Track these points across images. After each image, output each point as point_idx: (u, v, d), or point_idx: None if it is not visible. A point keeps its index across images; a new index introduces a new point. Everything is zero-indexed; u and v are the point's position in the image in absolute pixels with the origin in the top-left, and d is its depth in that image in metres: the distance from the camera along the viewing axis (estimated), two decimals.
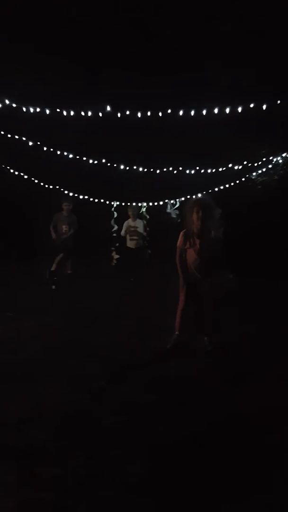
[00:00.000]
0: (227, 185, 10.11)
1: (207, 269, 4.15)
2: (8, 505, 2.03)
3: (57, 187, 9.29)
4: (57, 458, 2.40)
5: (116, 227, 9.19)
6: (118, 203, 9.74)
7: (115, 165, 8.62)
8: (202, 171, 9.26)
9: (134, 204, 8.82)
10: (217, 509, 2.03)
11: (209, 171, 9.31)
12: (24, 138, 7.32)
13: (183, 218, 4.12)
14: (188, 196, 10.22)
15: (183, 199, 10.61)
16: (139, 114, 6.05)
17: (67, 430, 2.69)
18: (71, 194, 9.22)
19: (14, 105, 5.48)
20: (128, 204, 8.72)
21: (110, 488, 2.16)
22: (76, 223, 7.76)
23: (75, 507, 2.03)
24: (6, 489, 2.15)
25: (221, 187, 10.03)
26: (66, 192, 9.19)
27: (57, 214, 7.74)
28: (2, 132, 7.24)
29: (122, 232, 8.40)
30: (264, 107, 5.66)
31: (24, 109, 5.62)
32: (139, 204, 9.95)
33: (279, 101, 5.59)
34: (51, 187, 9.35)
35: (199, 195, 9.76)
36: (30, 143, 7.37)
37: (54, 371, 3.63)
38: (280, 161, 10.32)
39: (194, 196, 9.14)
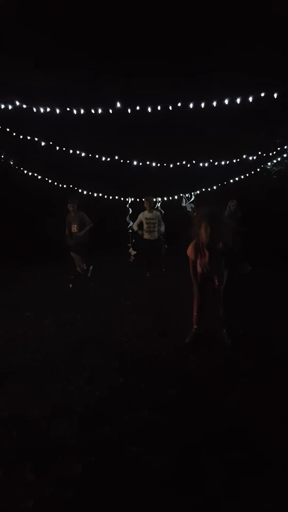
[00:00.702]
0: (242, 176, 9.99)
1: (221, 264, 4.14)
2: (30, 503, 2.07)
3: (71, 186, 9.35)
4: (79, 455, 2.42)
5: (131, 223, 9.17)
6: (132, 199, 9.74)
7: (128, 161, 8.62)
8: (216, 163, 9.17)
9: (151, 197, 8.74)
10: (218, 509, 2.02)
11: (223, 163, 9.21)
12: (36, 139, 7.38)
13: (192, 226, 4.07)
14: (203, 189, 10.17)
15: (198, 192, 10.55)
16: (149, 109, 6.01)
17: (89, 428, 2.71)
18: (85, 192, 9.27)
19: (24, 106, 5.51)
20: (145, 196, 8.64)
21: (133, 486, 2.17)
22: (86, 218, 7.70)
23: (97, 504, 2.05)
24: (29, 487, 2.18)
25: (236, 179, 9.92)
26: (79, 190, 9.24)
27: (68, 215, 7.77)
28: (14, 134, 7.32)
29: (134, 225, 8.25)
30: (276, 95, 5.54)
31: (35, 109, 5.66)
32: (154, 199, 9.91)
33: None
34: (65, 186, 9.42)
35: (214, 188, 9.71)
36: (43, 143, 7.42)
37: (74, 369, 3.67)
38: None
39: (206, 191, 9.10)
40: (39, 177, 9.16)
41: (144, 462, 2.34)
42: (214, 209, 4.03)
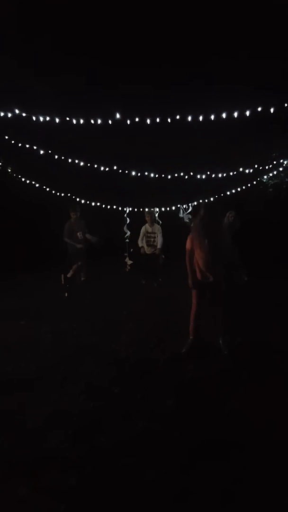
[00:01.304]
0: (238, 189, 10.08)
1: (219, 270, 4.14)
2: None
3: (69, 194, 9.37)
4: (74, 466, 2.39)
5: (128, 233, 9.19)
6: (130, 209, 9.77)
7: (126, 171, 8.66)
8: (213, 175, 9.24)
9: (151, 209, 8.82)
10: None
11: (220, 175, 9.29)
12: (35, 147, 7.41)
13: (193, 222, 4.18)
14: (200, 201, 10.24)
15: (195, 203, 10.61)
16: (148, 121, 6.06)
17: (84, 438, 2.68)
18: (83, 201, 9.29)
19: (24, 114, 5.55)
20: (146, 209, 8.73)
21: (129, 497, 2.14)
22: (85, 228, 7.84)
23: None
24: (22, 500, 2.14)
25: (233, 191, 10.00)
26: (77, 199, 9.26)
27: (68, 223, 7.80)
28: (13, 141, 7.35)
29: (139, 241, 8.36)
30: (272, 110, 5.62)
31: (34, 118, 5.69)
32: (152, 210, 9.96)
33: (286, 104, 5.54)
34: (62, 194, 9.43)
35: (211, 199, 9.79)
36: (41, 152, 7.45)
37: (69, 379, 3.63)
38: None
39: (203, 202, 9.15)
40: (37, 185, 9.17)
41: (140, 473, 2.31)
42: (213, 204, 4.19)
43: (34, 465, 2.41)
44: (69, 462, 2.44)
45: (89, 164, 8.03)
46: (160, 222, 9.53)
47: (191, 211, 10.60)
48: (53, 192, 9.42)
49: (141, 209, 8.72)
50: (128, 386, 3.46)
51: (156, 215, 9.44)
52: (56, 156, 7.90)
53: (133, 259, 9.01)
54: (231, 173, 9.37)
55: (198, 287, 4.19)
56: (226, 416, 2.90)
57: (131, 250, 9.07)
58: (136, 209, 9.45)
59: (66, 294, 7.35)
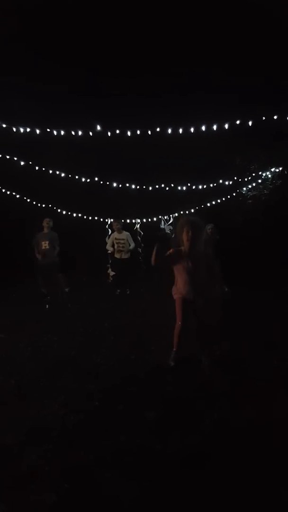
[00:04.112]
0: (218, 200, 10.24)
1: (202, 287, 4.12)
2: None
3: (50, 205, 9.33)
4: (54, 483, 2.33)
5: None
6: (112, 220, 9.79)
7: (108, 183, 8.71)
8: (194, 187, 9.38)
9: (122, 220, 8.89)
10: None
11: (200, 187, 9.43)
12: (15, 158, 7.38)
13: (175, 235, 4.14)
14: (181, 212, 10.36)
15: (176, 214, 10.72)
16: (129, 133, 6.13)
17: (64, 453, 2.62)
18: (64, 212, 9.26)
19: (4, 125, 5.53)
20: (113, 219, 8.84)
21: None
22: (57, 239, 7.73)
23: None
24: None
25: (213, 202, 10.15)
26: (59, 210, 9.23)
27: (39, 233, 7.74)
28: None
29: (108, 246, 8.47)
30: (250, 123, 5.78)
31: (15, 129, 5.68)
32: (133, 221, 10.03)
33: (264, 117, 5.70)
34: (43, 206, 9.39)
35: (192, 210, 9.90)
36: (22, 163, 7.42)
37: (49, 393, 3.56)
38: (270, 176, 10.50)
39: (184, 213, 9.28)
40: (17, 196, 9.10)
41: (120, 487, 2.27)
42: (194, 217, 4.16)
43: (13, 481, 2.34)
44: (49, 477, 2.38)
45: (70, 176, 8.03)
46: (142, 233, 9.61)
47: (172, 222, 10.69)
48: (34, 203, 9.37)
49: (122, 220, 8.76)
50: (108, 399, 3.41)
51: (138, 226, 9.52)
52: (37, 168, 7.89)
53: (115, 270, 9.01)
54: (211, 185, 9.53)
55: (181, 298, 4.15)
56: (207, 427, 2.89)
57: (111, 261, 9.06)
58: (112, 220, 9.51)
59: (46, 306, 7.26)
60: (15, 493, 2.25)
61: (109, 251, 8.49)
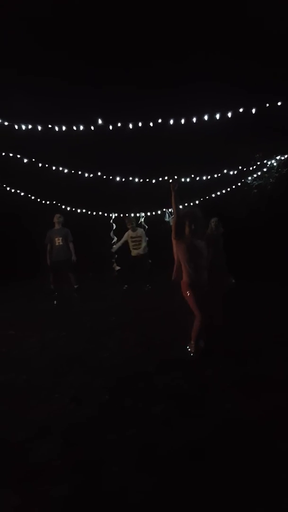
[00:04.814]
0: (223, 191, 10.13)
1: (204, 275, 4.15)
2: None
3: (54, 202, 9.32)
4: (63, 476, 2.34)
5: (115, 239, 9.19)
6: (116, 214, 9.76)
7: (110, 177, 8.66)
8: (198, 178, 9.29)
9: (132, 215, 8.83)
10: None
11: (204, 178, 9.34)
12: (18, 156, 7.36)
13: (176, 226, 4.16)
14: (186, 204, 10.27)
15: (180, 207, 10.62)
16: (130, 126, 6.08)
17: (73, 448, 2.63)
18: (68, 208, 9.25)
19: (6, 123, 5.50)
20: (126, 215, 8.74)
21: (121, 507, 2.09)
22: (70, 235, 7.66)
23: None
24: (15, 511, 2.09)
25: (218, 193, 10.05)
26: (63, 206, 9.21)
27: (50, 230, 7.68)
28: None
29: (119, 244, 8.35)
30: (254, 111, 5.68)
31: (17, 127, 5.65)
32: (137, 215, 9.97)
33: (267, 104, 5.61)
34: (48, 202, 9.38)
35: (197, 202, 9.82)
36: (25, 160, 7.40)
37: (58, 388, 3.57)
38: (275, 164, 10.36)
39: (188, 205, 9.21)
40: (22, 193, 9.10)
41: (131, 481, 2.27)
42: (196, 209, 4.31)
43: (25, 476, 2.36)
44: (60, 472, 2.39)
45: (72, 171, 8.00)
46: (146, 227, 9.54)
47: None
48: (38, 200, 9.36)
49: (126, 215, 8.72)
50: (116, 394, 3.41)
51: (142, 220, 9.48)
52: (40, 164, 7.86)
53: (121, 265, 8.99)
54: (215, 175, 9.43)
55: (192, 292, 4.08)
56: (214, 422, 2.87)
57: (116, 256, 9.06)
58: (121, 215, 9.46)
59: (54, 302, 7.28)
60: (26, 487, 2.26)
61: (114, 249, 8.42)
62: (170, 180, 4.33)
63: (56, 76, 8.71)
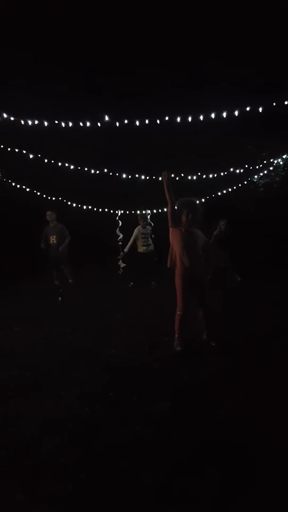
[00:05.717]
0: (229, 189, 10.09)
1: (203, 267, 4.29)
2: None
3: (60, 198, 9.32)
4: (70, 472, 2.35)
5: (121, 236, 9.17)
6: (122, 211, 9.74)
7: (117, 174, 8.65)
8: (204, 176, 9.26)
9: (143, 212, 8.81)
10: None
11: (211, 176, 9.30)
12: (24, 151, 7.36)
13: (172, 214, 4.30)
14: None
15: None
16: (137, 123, 6.06)
17: (80, 444, 2.64)
18: (74, 205, 9.25)
19: (12, 118, 5.51)
20: (138, 212, 8.73)
21: (126, 502, 2.11)
22: (65, 231, 7.70)
23: None
24: (20, 507, 2.10)
25: (224, 191, 10.01)
26: (68, 203, 9.20)
27: (46, 227, 7.75)
28: (1, 146, 7.30)
29: (131, 241, 8.35)
30: (261, 109, 5.65)
31: (23, 122, 5.65)
32: (143, 212, 9.94)
33: (274, 103, 5.57)
34: (53, 199, 9.38)
35: (203, 200, 9.79)
36: (31, 156, 7.41)
37: (64, 384, 3.59)
38: (281, 162, 10.31)
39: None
40: (28, 189, 9.11)
41: (137, 477, 2.28)
42: (193, 200, 4.52)
43: (30, 472, 2.37)
44: (66, 467, 2.40)
45: (79, 168, 8.00)
46: (152, 224, 9.51)
47: None
48: (44, 196, 9.37)
49: (132, 212, 8.71)
50: (123, 390, 3.43)
51: (148, 217, 9.46)
52: (46, 160, 7.87)
53: (126, 262, 8.98)
54: (221, 174, 9.39)
55: (183, 281, 4.23)
56: (222, 418, 2.88)
57: (122, 253, 9.03)
58: (128, 212, 9.44)
59: (59, 299, 7.30)
60: (33, 483, 2.28)
61: (124, 248, 8.43)
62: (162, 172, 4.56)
63: (63, 74, 8.72)
